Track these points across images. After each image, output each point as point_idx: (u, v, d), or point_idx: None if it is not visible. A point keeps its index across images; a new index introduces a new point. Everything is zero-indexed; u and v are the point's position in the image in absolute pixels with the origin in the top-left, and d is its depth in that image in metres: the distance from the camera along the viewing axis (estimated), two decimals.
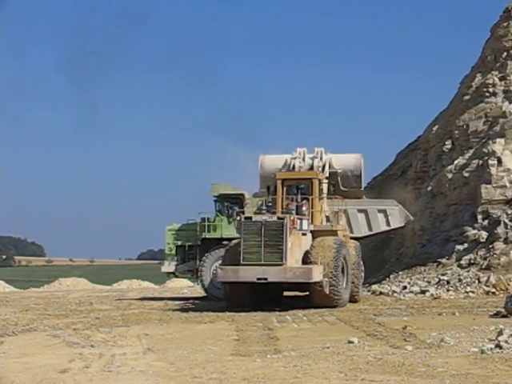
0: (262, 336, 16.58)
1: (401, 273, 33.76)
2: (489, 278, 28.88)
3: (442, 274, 30.67)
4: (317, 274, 23.24)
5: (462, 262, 31.93)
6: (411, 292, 28.70)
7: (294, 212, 24.55)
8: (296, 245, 23.97)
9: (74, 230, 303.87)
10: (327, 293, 23.64)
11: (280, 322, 19.59)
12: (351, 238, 27.75)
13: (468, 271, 30.55)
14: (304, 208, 25.30)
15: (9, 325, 20.02)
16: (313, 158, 28.64)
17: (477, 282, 28.97)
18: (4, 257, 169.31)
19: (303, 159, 28.66)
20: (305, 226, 24.80)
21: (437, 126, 40.14)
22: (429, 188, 37.84)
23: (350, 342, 14.86)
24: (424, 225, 37.19)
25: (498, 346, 13.40)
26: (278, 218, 23.57)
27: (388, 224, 29.82)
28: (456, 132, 37.48)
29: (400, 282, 31.44)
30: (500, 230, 32.45)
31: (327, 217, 26.91)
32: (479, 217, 33.77)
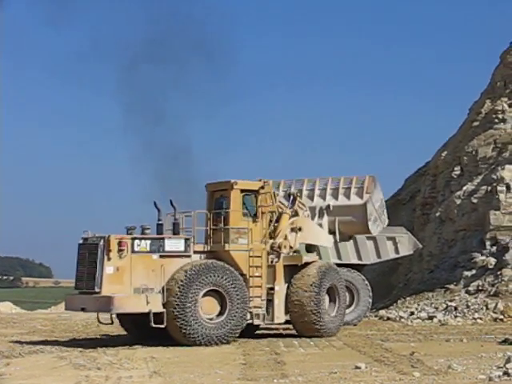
0: (268, 360, 16.53)
1: (408, 298, 33.64)
2: (497, 304, 28.78)
3: (450, 300, 30.56)
4: (129, 304, 19.94)
5: (470, 288, 31.80)
6: (419, 318, 28.62)
7: (148, 232, 20.79)
8: (139, 269, 20.09)
9: None
10: (171, 327, 19.95)
11: (287, 347, 19.52)
12: (358, 265, 27.36)
13: (476, 297, 30.44)
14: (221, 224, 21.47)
15: (15, 346, 19.99)
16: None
17: (485, 308, 28.87)
18: (11, 278, 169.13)
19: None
20: (178, 247, 20.77)
21: (446, 152, 40.15)
22: (437, 214, 37.78)
23: (357, 368, 14.80)
24: (432, 250, 37.11)
25: (506, 373, 13.33)
26: (99, 239, 20.43)
27: (397, 251, 29.59)
28: (465, 158, 37.49)
29: (407, 307, 31.34)
30: (508, 256, 32.34)
31: (285, 235, 22.62)
32: (487, 243, 33.70)
